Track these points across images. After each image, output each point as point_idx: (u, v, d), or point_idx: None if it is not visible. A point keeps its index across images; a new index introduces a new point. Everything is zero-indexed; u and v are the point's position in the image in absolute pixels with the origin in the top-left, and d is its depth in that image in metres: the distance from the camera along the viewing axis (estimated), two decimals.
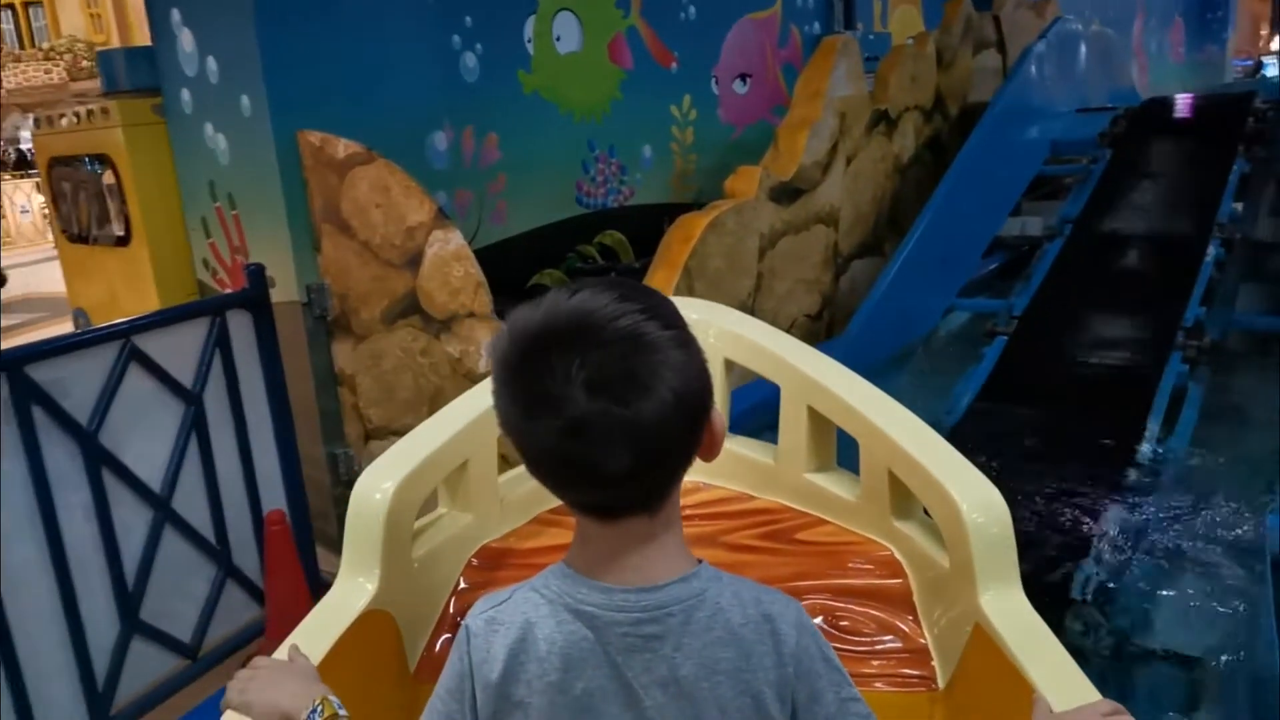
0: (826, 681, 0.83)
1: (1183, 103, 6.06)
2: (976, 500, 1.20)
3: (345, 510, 1.27)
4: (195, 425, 2.77)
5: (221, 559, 2.90)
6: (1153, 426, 3.20)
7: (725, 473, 1.52)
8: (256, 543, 3.00)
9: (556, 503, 1.50)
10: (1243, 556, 2.25)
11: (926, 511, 1.35)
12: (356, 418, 3.53)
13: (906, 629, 1.32)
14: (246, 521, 3.00)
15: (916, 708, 1.24)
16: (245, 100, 3.25)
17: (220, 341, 2.84)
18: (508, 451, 0.91)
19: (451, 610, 1.37)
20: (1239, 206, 4.37)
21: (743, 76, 5.98)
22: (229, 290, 3.54)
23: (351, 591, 1.23)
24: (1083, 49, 6.06)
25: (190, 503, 2.75)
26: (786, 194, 4.04)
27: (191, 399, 2.75)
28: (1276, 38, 19.47)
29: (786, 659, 0.81)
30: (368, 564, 1.25)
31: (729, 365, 1.60)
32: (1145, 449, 3.07)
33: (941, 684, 1.24)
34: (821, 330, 4.43)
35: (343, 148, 3.18)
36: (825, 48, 4.36)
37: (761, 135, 6.10)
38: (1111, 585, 2.34)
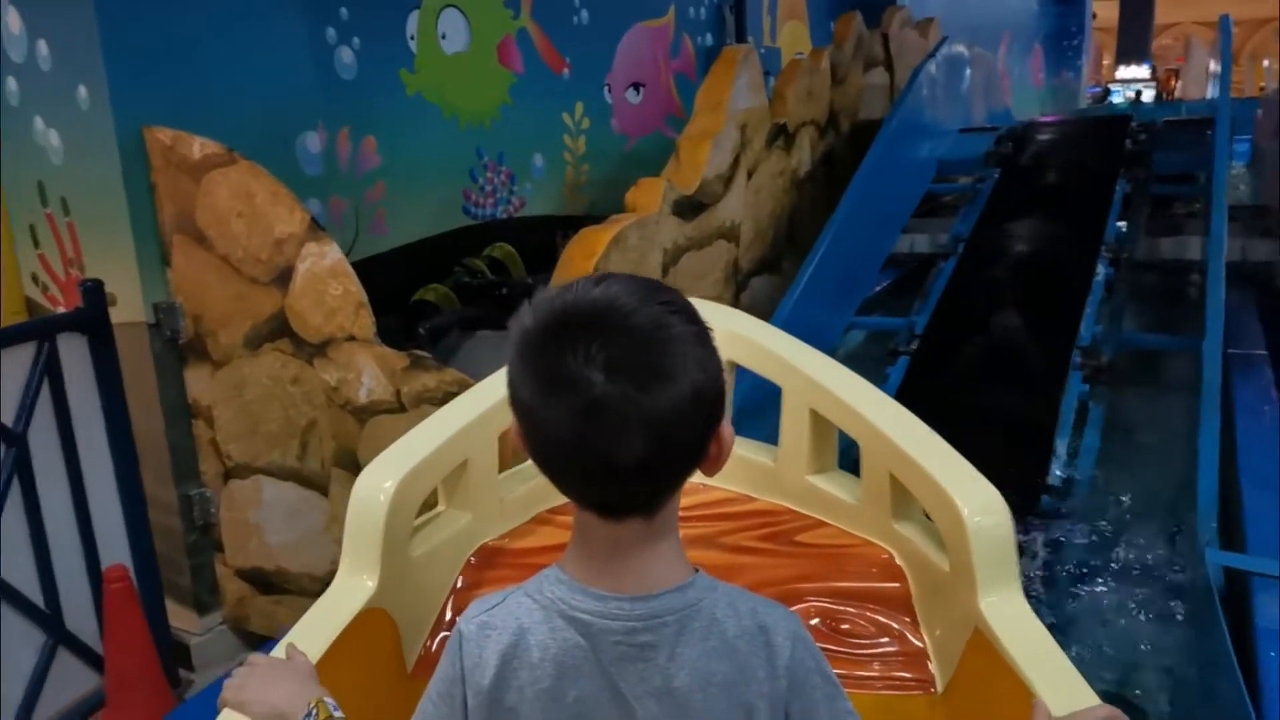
0: (821, 695, 0.82)
1: (1064, 125, 6.26)
2: (978, 503, 1.19)
3: (201, 560, 1.08)
4: (18, 469, 2.39)
5: (51, 624, 2.52)
6: (1060, 448, 3.19)
7: (725, 474, 1.42)
8: (94, 603, 2.62)
9: (556, 502, 1.51)
10: (1175, 594, 2.19)
11: (927, 514, 1.34)
12: (214, 454, 3.13)
13: (906, 632, 1.31)
14: (82, 579, 2.62)
15: (915, 711, 1.23)
16: (83, 91, 2.84)
17: (49, 369, 2.46)
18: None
19: (449, 609, 1.37)
20: (1123, 226, 4.48)
21: (636, 85, 5.81)
22: (61, 309, 3.10)
23: (350, 589, 1.22)
24: (966, 70, 6.18)
25: (12, 560, 2.37)
26: (689, 208, 3.87)
27: (12, 439, 2.37)
28: (1119, 67, 20.83)
29: (780, 671, 0.79)
30: (367, 562, 1.24)
31: (731, 366, 1.57)
32: (1056, 472, 3.04)
33: (940, 687, 1.24)
34: None
35: (198, 147, 2.80)
36: (727, 57, 4.23)
37: (655, 146, 5.95)
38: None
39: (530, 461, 0.80)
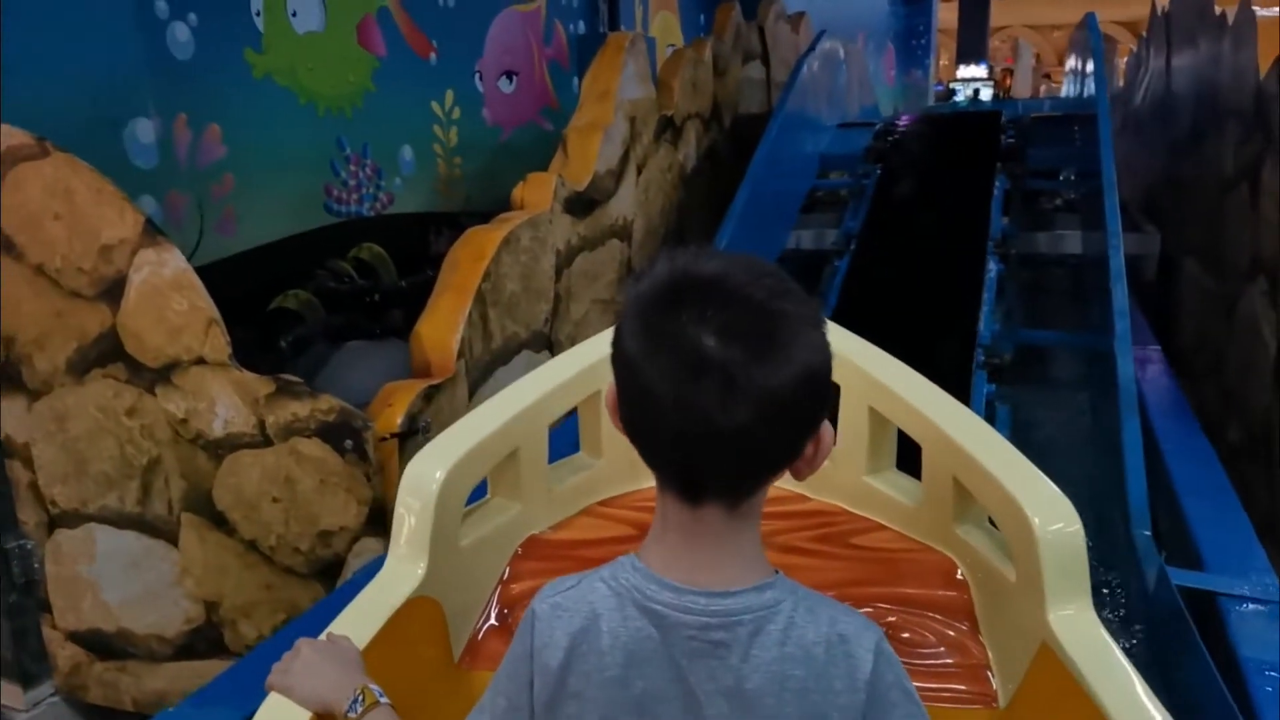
0: (902, 713, 0.78)
1: (937, 121, 6.33)
2: (1048, 512, 1.13)
3: (24, 623, 0.87)
4: None
5: None
6: None
7: None
8: None
9: (606, 494, 1.49)
10: (1128, 619, 2.09)
11: (992, 521, 1.29)
12: (34, 499, 2.63)
13: (967, 643, 1.25)
14: None
15: None
16: None
17: None
18: None
19: (496, 600, 1.35)
20: (1006, 221, 4.51)
21: (509, 74, 5.46)
22: None
23: (399, 577, 1.21)
24: (842, 65, 6.16)
25: None
26: (581, 205, 3.58)
27: None
28: (960, 67, 21.87)
29: (860, 685, 0.77)
30: (416, 549, 1.22)
31: None
32: None
33: (1003, 703, 1.19)
34: None
35: (3, 137, 2.31)
36: (614, 44, 3.96)
37: (531, 138, 5.63)
38: None
39: (580, 453, 0.81)
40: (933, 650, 1.26)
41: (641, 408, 0.74)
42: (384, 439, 2.43)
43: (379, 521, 2.38)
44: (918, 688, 1.17)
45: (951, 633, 1.27)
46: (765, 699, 0.76)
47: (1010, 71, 23.54)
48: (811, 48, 5.28)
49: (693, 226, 4.95)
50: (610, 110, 3.77)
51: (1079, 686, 1.01)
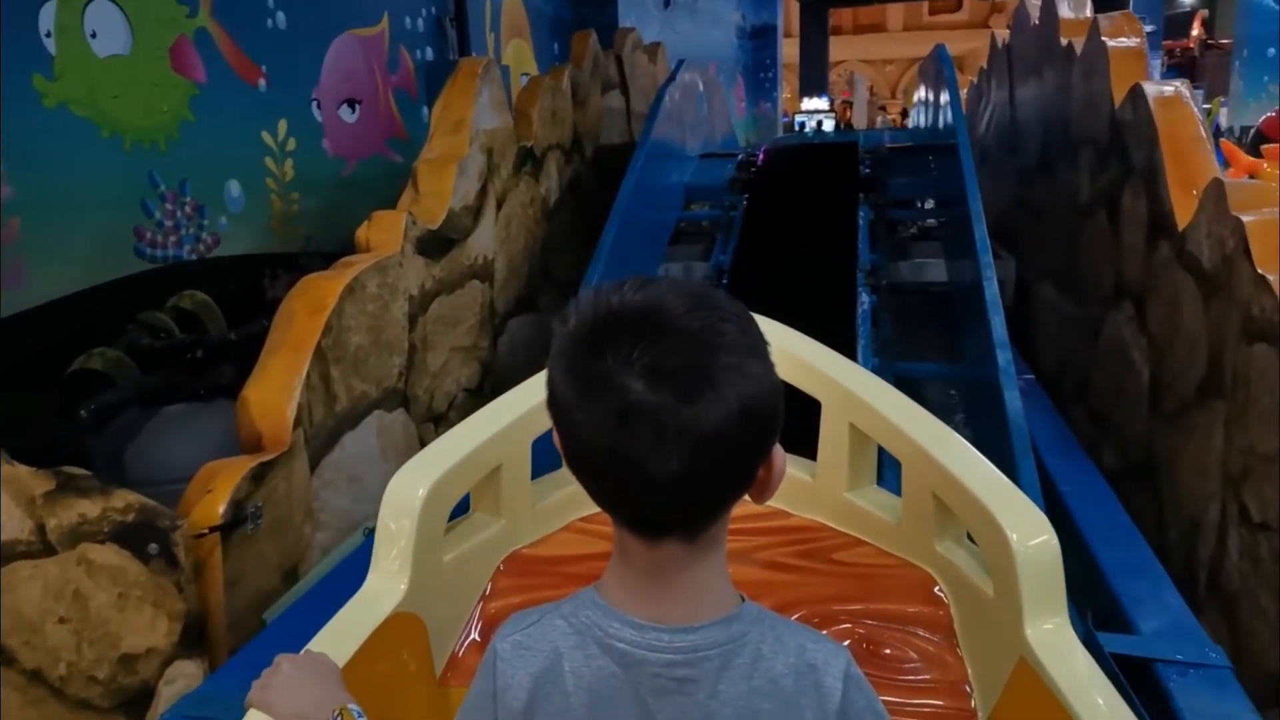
0: None
1: (797, 151, 6.32)
2: (1025, 528, 1.16)
3: None
4: None
5: None
6: None
7: None
8: None
9: (589, 510, 1.45)
10: None
11: (971, 537, 1.31)
12: None
13: (946, 658, 1.27)
14: None
15: None
16: None
17: None
18: None
19: (479, 616, 1.35)
20: (875, 255, 4.46)
21: (350, 102, 5.05)
22: None
23: (381, 592, 1.20)
24: (701, 94, 6.06)
25: None
26: (436, 245, 3.24)
27: None
28: (803, 99, 22.68)
29: (831, 714, 0.75)
30: (398, 565, 1.21)
31: None
32: None
33: (982, 718, 1.21)
34: (483, 404, 3.66)
35: None
36: (466, 70, 3.65)
37: (379, 171, 5.22)
38: None
39: (563, 469, 0.79)
40: (912, 665, 1.26)
41: (578, 454, 0.71)
42: (201, 535, 2.02)
43: (195, 640, 1.96)
44: (897, 703, 1.16)
45: (931, 648, 1.28)
46: None
47: (849, 104, 24.61)
48: (673, 76, 5.13)
49: (560, 262, 4.67)
50: (465, 141, 3.46)
51: (1057, 701, 1.01)
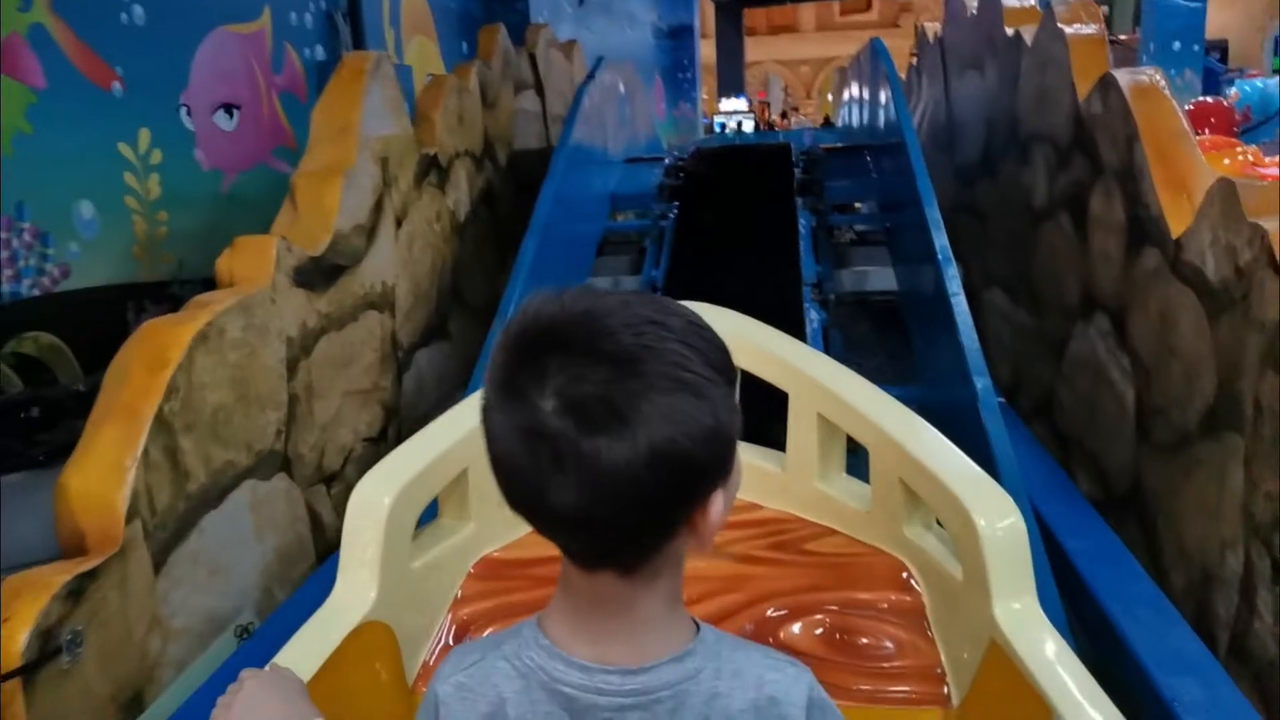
0: None
1: (727, 154, 5.94)
2: (990, 510, 1.17)
3: None
4: None
5: None
6: None
7: None
8: None
9: None
10: None
11: (940, 522, 1.31)
12: None
13: (919, 643, 1.28)
14: None
15: None
16: None
17: None
18: None
19: (450, 622, 1.34)
20: (820, 268, 4.11)
21: (228, 107, 4.46)
22: None
23: (348, 602, 1.19)
24: (623, 94, 5.64)
25: None
26: (320, 274, 2.74)
27: None
28: (721, 100, 22.58)
29: None
30: (365, 574, 1.20)
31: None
32: None
33: (956, 701, 1.20)
34: (387, 454, 3.16)
35: None
36: (351, 67, 3.15)
37: (264, 184, 4.64)
38: None
39: None
40: (886, 652, 1.27)
41: (492, 458, 0.68)
42: None
43: None
44: (872, 690, 1.18)
45: (904, 634, 1.28)
46: None
47: (766, 104, 24.56)
48: (592, 75, 4.70)
49: (474, 283, 4.19)
50: (352, 150, 2.96)
51: (1029, 683, 1.02)
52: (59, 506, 1.88)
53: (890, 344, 4.04)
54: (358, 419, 2.99)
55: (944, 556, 1.29)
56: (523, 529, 1.43)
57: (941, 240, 3.16)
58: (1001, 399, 3.22)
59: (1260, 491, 2.05)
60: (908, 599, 1.33)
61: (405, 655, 1.26)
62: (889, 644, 1.28)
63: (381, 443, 3.15)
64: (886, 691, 1.23)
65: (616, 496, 0.62)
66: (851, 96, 6.20)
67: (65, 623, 1.70)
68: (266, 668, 0.97)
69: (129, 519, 1.86)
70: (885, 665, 1.27)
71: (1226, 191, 2.17)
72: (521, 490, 0.67)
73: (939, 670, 1.24)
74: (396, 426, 3.27)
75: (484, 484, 1.37)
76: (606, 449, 0.60)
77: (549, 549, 1.22)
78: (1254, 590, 2.06)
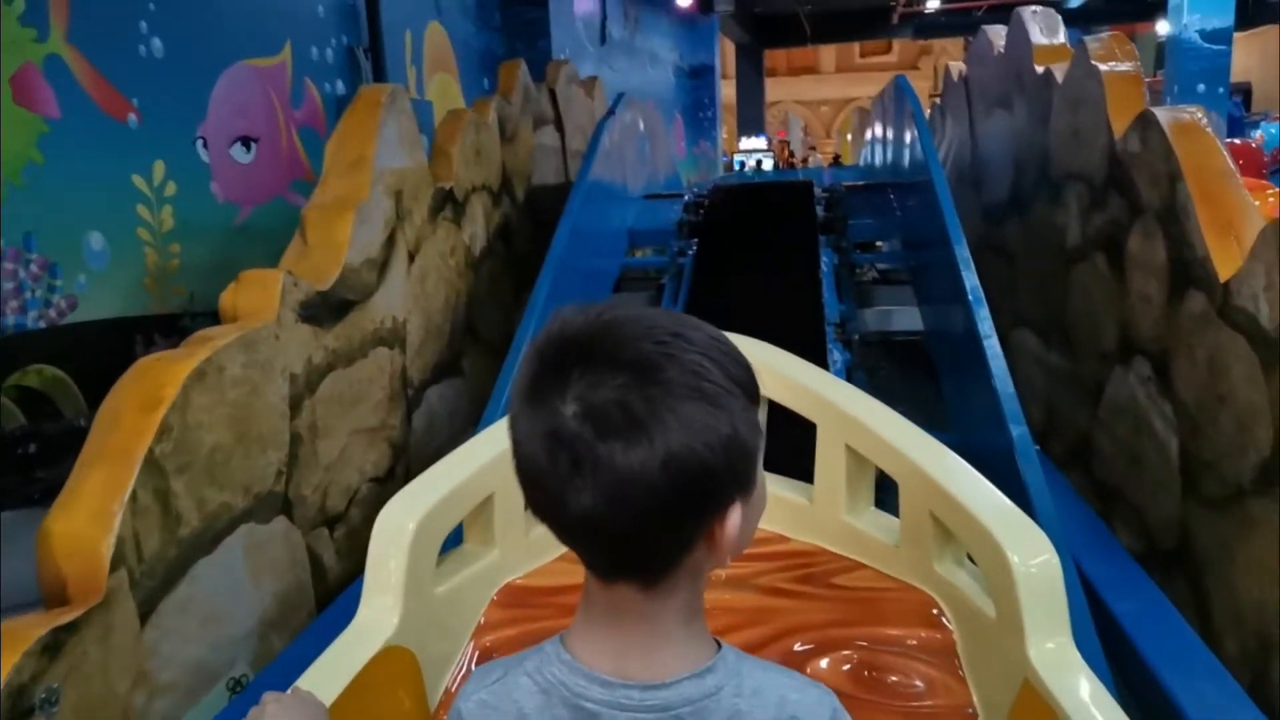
0: None
1: (747, 191, 5.87)
2: (1025, 547, 1.14)
3: None
4: None
5: None
6: None
7: None
8: None
9: None
10: None
11: (971, 558, 1.28)
12: None
13: (950, 682, 1.24)
14: None
15: None
16: None
17: None
18: None
19: (473, 648, 1.35)
20: (843, 307, 4.00)
21: (245, 141, 4.44)
22: None
23: (371, 627, 1.19)
24: (642, 130, 5.59)
25: None
26: (329, 308, 2.65)
27: None
28: (741, 139, 22.64)
29: None
30: (389, 599, 1.21)
31: (763, 402, 1.41)
32: None
33: None
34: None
35: None
36: (367, 99, 3.09)
37: (280, 218, 4.59)
38: None
39: None
40: (915, 691, 1.24)
41: (518, 465, 0.70)
42: None
43: None
44: None
45: (934, 672, 1.26)
46: None
47: (786, 143, 24.63)
48: (612, 110, 4.64)
49: (488, 319, 4.10)
50: (365, 183, 2.89)
51: None
52: (41, 552, 1.78)
53: (917, 386, 3.90)
54: (364, 459, 2.88)
55: (976, 593, 1.26)
56: (546, 556, 1.45)
57: (972, 280, 3.05)
58: (1037, 447, 3.09)
59: None
60: (938, 636, 1.30)
61: (428, 681, 1.26)
62: (919, 682, 1.25)
63: (389, 483, 3.04)
64: None
65: (632, 502, 0.63)
66: (874, 135, 6.13)
67: (40, 679, 1.58)
68: (289, 691, 0.97)
69: (114, 567, 1.76)
70: (915, 704, 1.24)
71: None
72: (543, 495, 0.67)
73: (970, 710, 1.22)
74: (405, 466, 3.16)
75: (509, 511, 1.39)
76: (622, 453, 0.62)
77: (573, 577, 1.12)
78: None
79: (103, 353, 3.41)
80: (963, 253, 3.17)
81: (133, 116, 3.73)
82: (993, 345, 2.78)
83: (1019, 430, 2.45)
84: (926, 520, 1.31)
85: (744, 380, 0.68)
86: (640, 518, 0.64)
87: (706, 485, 0.65)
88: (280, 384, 2.37)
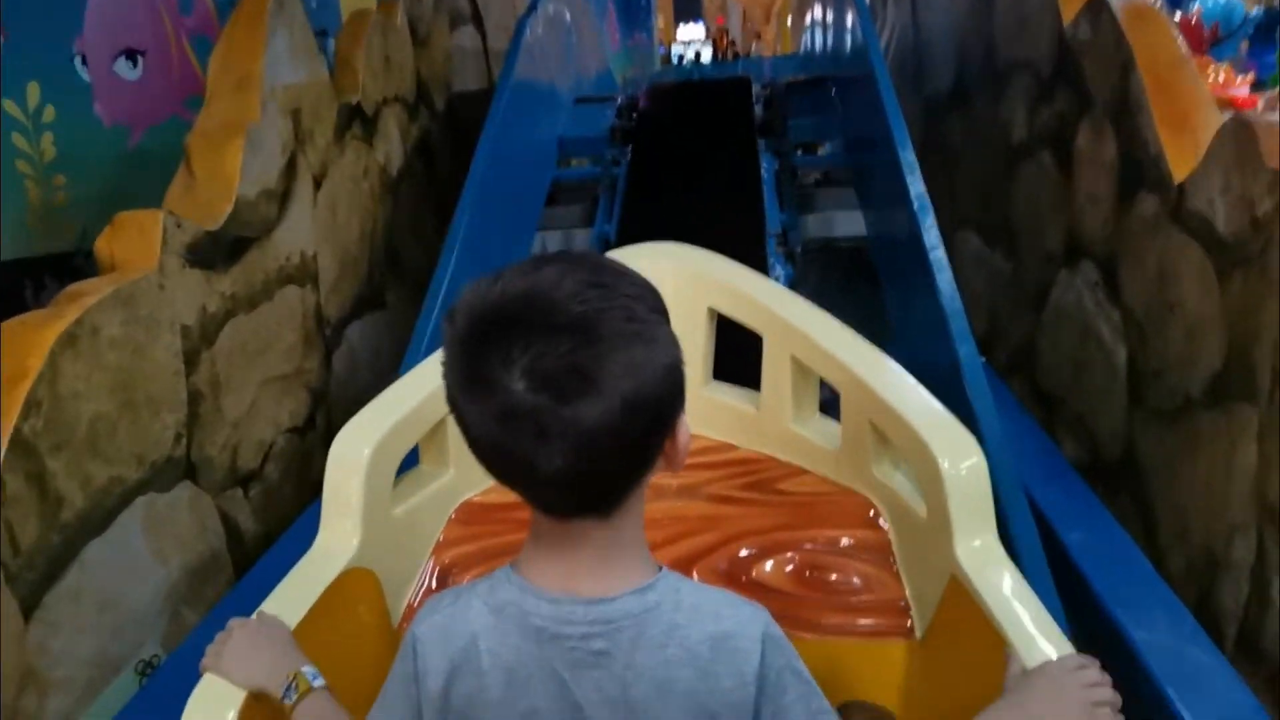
0: (794, 695, 0.78)
1: (682, 90, 5.58)
2: (953, 452, 1.20)
3: None
4: None
5: None
6: None
7: (708, 421, 1.52)
8: None
9: None
10: None
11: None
12: None
13: (886, 579, 1.34)
14: None
15: (895, 657, 1.27)
16: None
17: None
18: None
19: (433, 565, 1.39)
20: (784, 217, 3.82)
21: (130, 54, 4.02)
22: None
23: (331, 551, 1.23)
24: (570, 26, 5.23)
25: None
26: (222, 249, 2.41)
27: None
28: (678, 27, 21.88)
29: (750, 679, 0.77)
30: (348, 523, 1.25)
31: (712, 314, 1.59)
32: None
33: (919, 633, 1.26)
34: (316, 444, 2.88)
35: None
36: (249, 8, 2.77)
37: (177, 139, 4.20)
38: None
39: None
40: (854, 587, 1.33)
41: (471, 444, 0.74)
42: None
43: None
44: (840, 624, 1.30)
45: (871, 569, 1.34)
46: (651, 704, 0.75)
47: (726, 31, 23.78)
48: (534, 6, 4.29)
49: (411, 245, 3.86)
50: (254, 103, 2.61)
51: (985, 617, 1.05)
52: None
53: (862, 298, 3.78)
54: (279, 409, 2.69)
55: (910, 495, 1.33)
56: None
57: (918, 187, 2.90)
58: (982, 359, 3.00)
59: (1276, 471, 1.84)
60: (875, 536, 1.38)
61: (390, 599, 1.31)
62: (856, 579, 1.34)
63: (309, 432, 2.86)
64: (854, 624, 1.30)
65: (600, 450, 0.69)
66: (814, 19, 5.81)
67: None
68: (254, 615, 1.02)
69: None
70: (853, 599, 1.32)
71: (1241, 132, 1.91)
72: (510, 465, 0.72)
73: (903, 603, 1.30)
74: (326, 412, 2.98)
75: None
76: (586, 411, 0.66)
77: None
78: (1266, 581, 1.86)
79: None
80: (908, 157, 3.00)
81: None
82: (939, 257, 2.66)
83: (966, 349, 2.34)
84: (865, 427, 1.37)
85: (658, 304, 0.74)
86: (608, 460, 0.70)
87: (659, 412, 0.72)
88: (170, 339, 2.16)
